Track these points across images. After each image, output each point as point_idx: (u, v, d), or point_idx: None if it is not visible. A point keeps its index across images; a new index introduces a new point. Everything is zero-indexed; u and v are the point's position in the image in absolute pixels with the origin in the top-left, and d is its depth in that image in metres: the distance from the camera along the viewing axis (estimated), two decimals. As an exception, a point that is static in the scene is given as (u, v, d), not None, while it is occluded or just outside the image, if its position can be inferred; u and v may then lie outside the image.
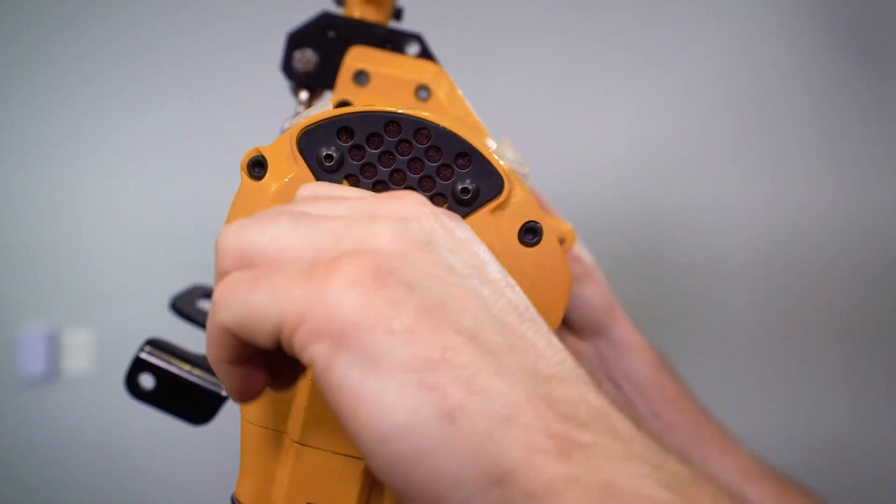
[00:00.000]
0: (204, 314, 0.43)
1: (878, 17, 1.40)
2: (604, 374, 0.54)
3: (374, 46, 0.38)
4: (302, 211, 0.21)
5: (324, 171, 0.26)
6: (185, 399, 0.34)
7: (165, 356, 0.34)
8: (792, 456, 1.38)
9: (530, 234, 0.27)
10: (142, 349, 0.34)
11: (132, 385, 0.34)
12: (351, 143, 0.25)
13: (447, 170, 0.26)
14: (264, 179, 0.26)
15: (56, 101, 1.32)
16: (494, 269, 0.22)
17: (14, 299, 1.31)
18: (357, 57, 0.37)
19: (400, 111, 0.25)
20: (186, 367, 0.34)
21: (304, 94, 0.41)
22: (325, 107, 0.27)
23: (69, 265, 1.32)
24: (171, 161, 1.34)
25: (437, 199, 0.26)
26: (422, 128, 0.25)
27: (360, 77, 0.36)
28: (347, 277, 0.18)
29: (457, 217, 0.23)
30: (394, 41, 0.38)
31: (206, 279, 1.29)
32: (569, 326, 0.54)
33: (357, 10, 0.39)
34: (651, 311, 1.36)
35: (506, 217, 0.26)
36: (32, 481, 1.33)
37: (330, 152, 0.25)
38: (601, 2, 1.36)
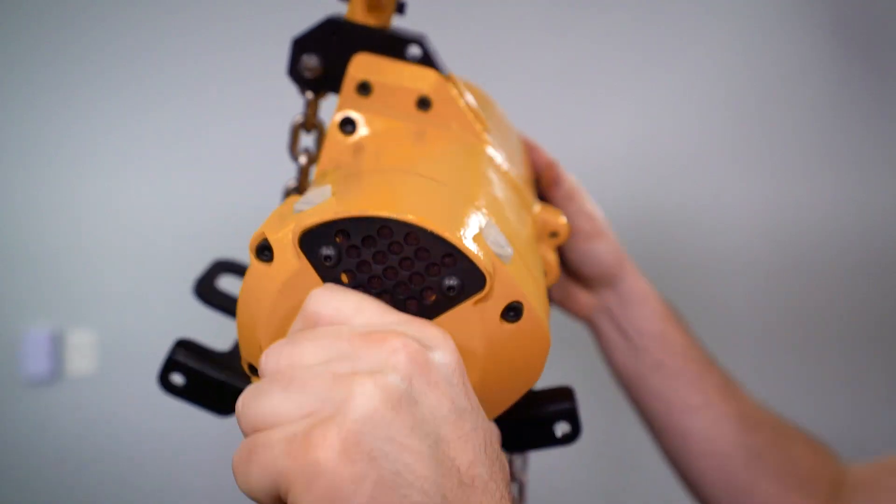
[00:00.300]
0: (225, 296, 0.46)
1: (877, 17, 1.40)
2: (613, 325, 0.58)
3: (378, 51, 0.39)
4: (294, 364, 0.25)
5: (324, 267, 0.28)
6: (213, 394, 0.37)
7: (194, 356, 0.37)
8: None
9: (511, 312, 0.29)
10: (173, 350, 0.37)
11: (165, 383, 0.37)
12: (348, 243, 0.28)
13: (435, 267, 0.28)
14: (272, 265, 0.29)
15: (57, 101, 1.32)
16: (460, 404, 0.26)
17: (18, 300, 1.32)
18: (360, 67, 0.39)
19: (392, 216, 0.27)
20: (213, 365, 0.37)
21: (310, 94, 0.42)
22: (324, 195, 0.29)
23: (72, 266, 1.32)
24: (173, 162, 1.34)
25: (426, 292, 0.29)
26: (410, 232, 0.27)
27: (364, 88, 0.38)
28: (320, 453, 0.23)
29: (438, 339, 0.27)
30: (397, 47, 0.39)
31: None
32: (581, 280, 0.57)
33: (359, 15, 0.40)
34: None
35: (489, 304, 0.29)
36: (36, 481, 1.33)
37: (329, 253, 0.28)
38: (601, 2, 1.37)
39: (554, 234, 0.42)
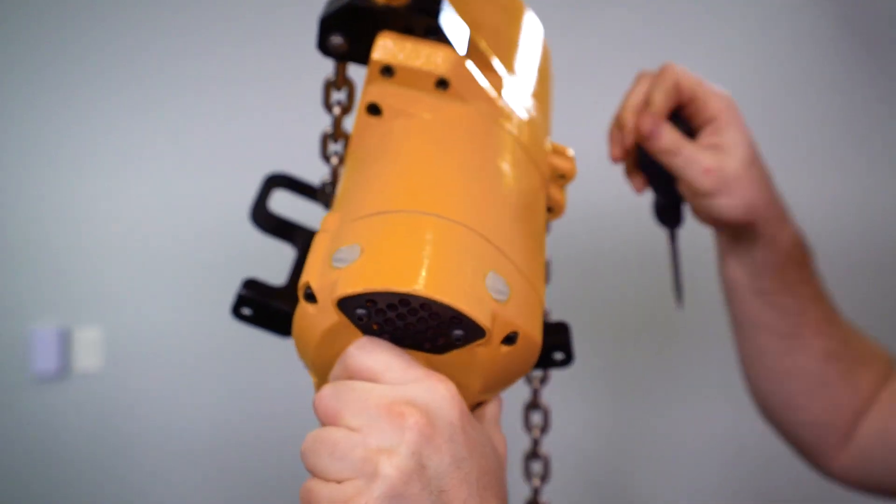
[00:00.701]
0: (280, 221, 0.50)
1: (881, 16, 1.41)
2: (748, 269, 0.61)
3: (401, 30, 0.43)
4: (338, 416, 0.35)
5: (358, 322, 0.36)
6: (275, 321, 0.44)
7: (258, 292, 0.44)
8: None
9: (508, 341, 0.37)
10: (241, 288, 0.44)
11: (238, 314, 0.44)
12: (375, 307, 0.35)
13: (445, 324, 0.35)
14: (318, 310, 0.37)
15: (60, 99, 1.33)
16: (459, 455, 0.34)
17: (25, 298, 1.32)
18: (383, 50, 0.42)
19: (409, 292, 0.34)
20: (274, 299, 0.44)
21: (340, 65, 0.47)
22: (353, 254, 0.36)
23: (79, 264, 1.33)
24: (179, 159, 1.35)
25: (439, 338, 0.36)
26: (424, 303, 0.34)
27: (387, 71, 0.43)
28: None
29: (445, 400, 0.35)
30: (417, 25, 0.42)
31: (214, 277, 1.30)
32: (719, 230, 0.62)
33: None
34: (657, 307, 1.36)
35: (491, 342, 0.36)
36: (44, 476, 1.34)
37: (361, 315, 0.35)
38: (602, 1, 1.37)
39: (562, 176, 0.48)
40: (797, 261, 0.63)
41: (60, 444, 1.34)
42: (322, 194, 0.50)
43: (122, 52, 1.33)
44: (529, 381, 0.51)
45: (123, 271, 1.34)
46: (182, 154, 1.35)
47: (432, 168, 0.41)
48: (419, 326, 0.36)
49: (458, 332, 0.35)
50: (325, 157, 0.50)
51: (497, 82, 0.45)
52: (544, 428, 0.51)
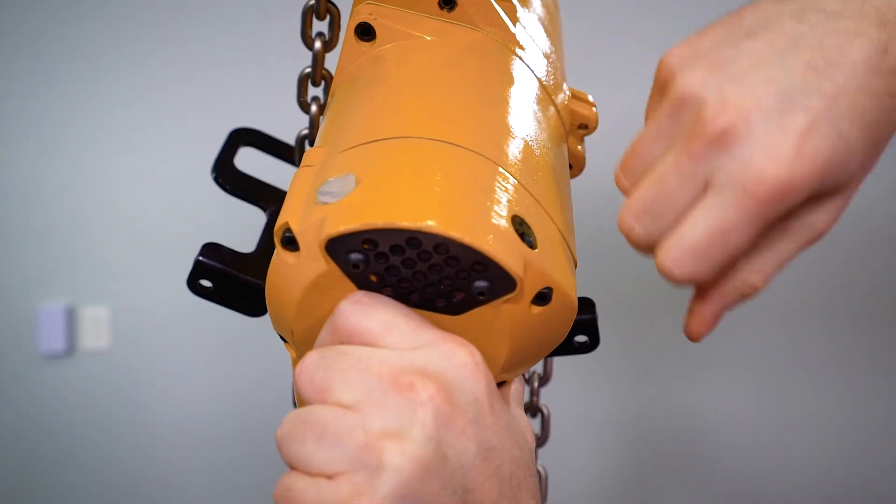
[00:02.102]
0: (247, 180, 0.42)
1: None
2: None
3: None
4: (325, 393, 0.27)
5: (352, 270, 0.28)
6: (241, 295, 0.36)
7: (221, 259, 0.36)
8: (821, 436, 1.38)
9: (540, 299, 0.29)
10: (200, 253, 0.36)
11: (194, 286, 0.36)
12: (375, 250, 0.27)
13: (465, 272, 0.27)
14: (300, 260, 0.28)
15: (66, 79, 1.32)
16: (487, 443, 0.27)
17: (32, 277, 1.33)
18: None
19: (421, 228, 0.26)
20: (240, 267, 0.36)
21: (318, 45, 0.40)
22: (347, 185, 0.28)
23: (85, 242, 1.33)
24: (186, 138, 1.34)
25: (456, 293, 0.28)
26: (440, 243, 0.27)
27: None
28: None
29: (467, 369, 0.27)
30: None
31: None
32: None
33: None
34: (674, 294, 1.35)
35: (521, 299, 0.29)
36: (50, 454, 1.35)
37: (357, 261, 0.27)
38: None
39: (583, 126, 0.40)
40: None
41: (67, 422, 1.35)
42: (299, 153, 0.42)
43: (131, 31, 1.32)
44: (527, 379, 0.42)
45: (130, 250, 1.34)
46: (190, 132, 1.34)
47: (439, 92, 0.33)
48: (431, 277, 0.28)
49: (481, 284, 0.27)
50: (303, 103, 0.41)
51: (511, 10, 0.37)
52: (544, 440, 0.43)
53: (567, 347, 0.37)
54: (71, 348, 1.34)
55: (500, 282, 0.27)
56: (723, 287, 0.30)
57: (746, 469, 1.38)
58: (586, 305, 0.37)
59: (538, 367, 0.42)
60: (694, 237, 0.27)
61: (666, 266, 0.28)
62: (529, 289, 0.28)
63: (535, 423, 0.42)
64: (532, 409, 0.42)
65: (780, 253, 0.30)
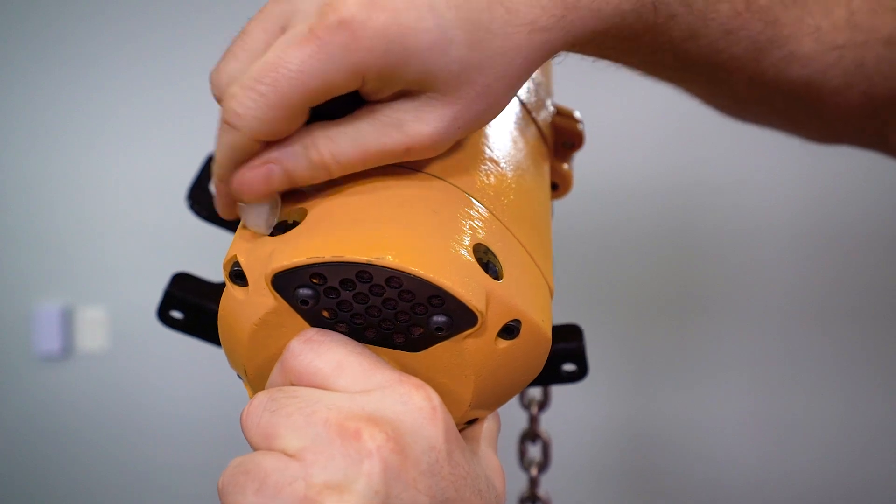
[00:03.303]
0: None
1: None
2: None
3: None
4: (271, 438, 0.26)
5: (301, 307, 0.26)
6: (213, 327, 0.34)
7: (191, 290, 0.35)
8: (822, 433, 1.37)
9: (507, 332, 0.28)
10: (170, 284, 0.35)
11: (164, 318, 0.36)
12: (325, 285, 0.26)
13: (421, 307, 0.26)
14: (249, 295, 0.27)
15: (65, 78, 1.31)
16: (443, 496, 0.25)
17: (28, 277, 1.32)
18: None
19: (370, 261, 0.25)
20: (211, 298, 0.35)
21: None
22: (296, 218, 0.27)
23: (82, 243, 1.32)
24: (184, 138, 1.33)
25: (413, 329, 0.27)
26: (392, 276, 0.25)
27: None
28: None
29: (423, 413, 0.25)
30: None
31: (219, 258, 1.29)
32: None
33: None
34: (683, 285, 1.34)
35: (484, 333, 0.27)
36: (47, 456, 1.34)
37: (306, 296, 0.26)
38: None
39: (569, 144, 0.38)
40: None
41: (63, 424, 1.34)
42: None
43: (128, 29, 1.31)
44: (527, 405, 0.41)
45: (127, 250, 1.33)
46: (188, 131, 1.33)
47: None
48: (386, 312, 0.26)
49: (439, 319, 0.26)
50: None
51: None
52: (544, 465, 0.42)
53: (554, 377, 0.36)
54: (68, 349, 1.33)
55: (459, 316, 0.26)
56: (286, 144, 0.27)
57: (745, 472, 1.37)
58: (573, 333, 0.36)
59: (536, 394, 0.41)
60: (255, 70, 0.25)
61: (229, 107, 0.26)
62: (494, 322, 0.27)
63: (536, 450, 0.41)
64: (532, 435, 0.41)
65: (360, 135, 0.27)
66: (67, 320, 1.32)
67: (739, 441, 1.37)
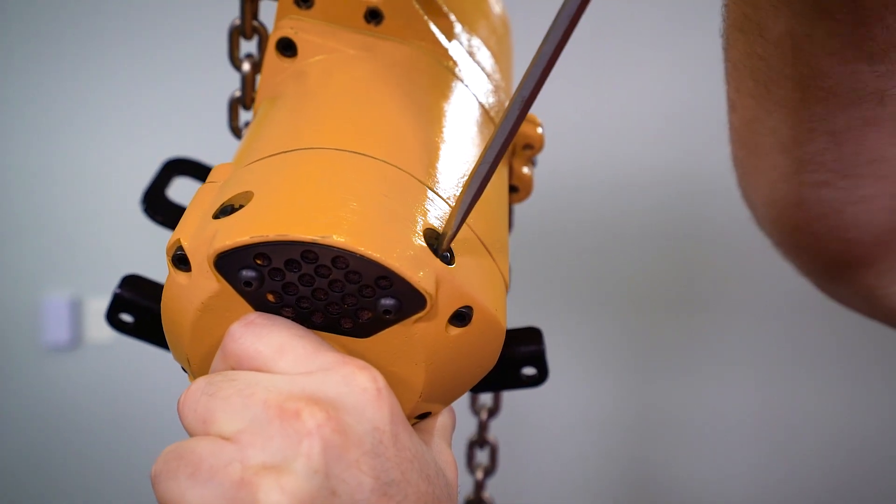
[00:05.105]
0: (175, 210, 0.40)
1: None
2: None
3: None
4: (207, 423, 0.25)
5: (245, 289, 0.26)
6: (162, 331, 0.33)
7: (141, 292, 0.35)
8: (826, 432, 1.34)
9: (458, 319, 0.27)
10: (119, 286, 0.35)
11: (113, 321, 0.35)
12: (269, 266, 0.25)
13: (369, 289, 0.25)
14: (192, 280, 0.27)
15: (72, 67, 1.31)
16: (387, 477, 0.24)
17: (37, 268, 1.32)
18: None
19: (315, 240, 0.24)
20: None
21: None
22: (242, 202, 0.26)
23: (91, 234, 1.32)
24: (192, 130, 1.33)
25: (361, 312, 0.26)
26: (338, 256, 0.25)
27: (303, 0, 0.33)
28: None
29: (367, 395, 0.24)
30: None
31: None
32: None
33: None
34: (687, 280, 1.32)
35: (435, 318, 0.26)
36: (55, 446, 1.35)
37: (249, 278, 0.25)
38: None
39: (529, 147, 0.38)
40: None
41: (72, 414, 1.34)
42: None
43: (135, 25, 1.31)
44: (477, 411, 0.41)
45: (136, 241, 1.33)
46: (195, 123, 1.32)
47: (357, 105, 0.31)
48: (333, 294, 0.26)
49: (387, 302, 0.25)
50: (234, 129, 0.40)
51: (447, 27, 0.35)
52: (491, 470, 0.41)
53: (514, 380, 0.35)
54: (76, 340, 1.33)
55: (408, 299, 0.25)
56: None
57: (748, 467, 1.35)
58: (533, 336, 0.35)
59: (488, 400, 0.41)
60: None
61: None
62: (445, 307, 0.26)
63: (484, 455, 0.40)
64: (480, 441, 0.41)
65: None
66: (76, 311, 1.32)
67: (743, 436, 1.35)
